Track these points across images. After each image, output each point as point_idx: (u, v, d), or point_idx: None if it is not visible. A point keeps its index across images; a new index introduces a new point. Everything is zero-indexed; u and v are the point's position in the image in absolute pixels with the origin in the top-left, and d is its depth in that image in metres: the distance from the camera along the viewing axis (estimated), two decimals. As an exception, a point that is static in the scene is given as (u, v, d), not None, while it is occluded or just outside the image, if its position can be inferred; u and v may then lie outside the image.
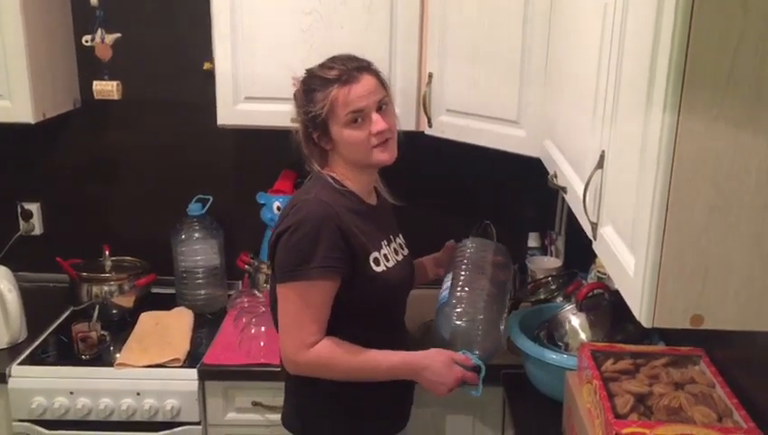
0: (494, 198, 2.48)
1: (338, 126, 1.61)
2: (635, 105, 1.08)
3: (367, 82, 1.62)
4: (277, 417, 1.88)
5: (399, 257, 1.76)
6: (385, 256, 1.69)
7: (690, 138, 0.94)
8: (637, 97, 1.07)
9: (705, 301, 1.00)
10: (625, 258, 1.11)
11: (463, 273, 1.83)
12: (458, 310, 1.75)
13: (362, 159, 1.65)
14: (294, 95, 1.69)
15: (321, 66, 1.65)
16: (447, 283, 1.83)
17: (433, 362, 1.66)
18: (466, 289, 1.79)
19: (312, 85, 1.63)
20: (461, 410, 2.07)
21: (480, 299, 1.77)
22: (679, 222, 0.97)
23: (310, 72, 1.66)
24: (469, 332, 1.73)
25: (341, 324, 1.62)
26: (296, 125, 1.69)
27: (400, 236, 1.83)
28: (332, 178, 1.67)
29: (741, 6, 0.90)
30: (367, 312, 1.67)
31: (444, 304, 1.79)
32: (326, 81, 1.61)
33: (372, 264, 1.64)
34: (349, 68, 1.62)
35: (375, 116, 1.62)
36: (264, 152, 2.44)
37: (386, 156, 1.65)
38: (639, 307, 1.03)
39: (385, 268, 1.67)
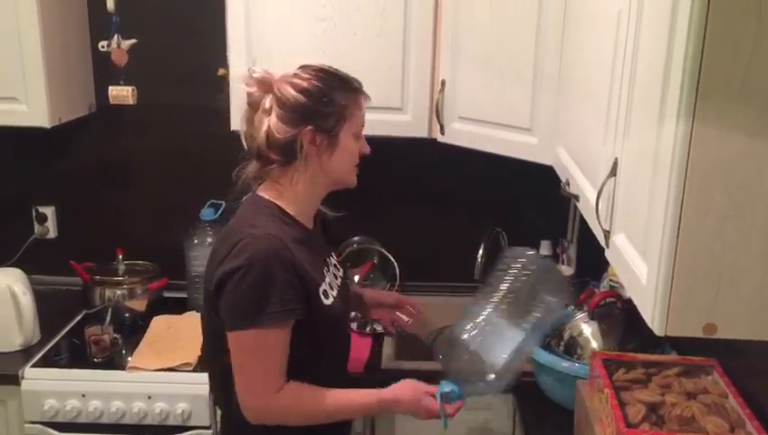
0: (507, 206, 2.48)
1: (348, 134, 1.54)
2: (648, 113, 1.08)
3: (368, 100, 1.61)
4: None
5: (339, 282, 1.65)
6: (329, 284, 1.59)
7: (703, 146, 0.94)
8: (650, 105, 1.07)
9: (718, 310, 1.00)
10: (638, 266, 1.11)
11: (502, 306, 1.68)
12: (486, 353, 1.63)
13: (342, 175, 1.58)
14: (288, 89, 1.49)
15: (330, 68, 1.57)
16: (484, 310, 1.68)
17: (403, 396, 1.59)
18: (497, 329, 1.66)
19: (333, 83, 1.53)
20: (471, 417, 2.06)
21: (509, 345, 1.63)
22: (692, 230, 0.97)
23: (321, 69, 1.55)
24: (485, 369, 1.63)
25: (296, 360, 1.51)
26: (265, 125, 1.49)
27: (333, 255, 1.72)
28: (274, 204, 1.54)
29: (755, 16, 0.90)
30: (322, 344, 1.57)
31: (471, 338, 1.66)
32: (349, 83, 1.56)
33: (322, 297, 1.53)
34: (359, 82, 1.60)
35: (363, 138, 1.60)
36: (277, 158, 2.45)
37: (356, 180, 1.61)
38: (652, 316, 1.02)
39: (333, 299, 1.57)
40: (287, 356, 1.49)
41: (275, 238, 1.45)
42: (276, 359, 1.48)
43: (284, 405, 1.50)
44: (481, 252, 2.14)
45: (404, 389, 1.61)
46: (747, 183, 0.95)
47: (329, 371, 1.60)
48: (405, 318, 1.91)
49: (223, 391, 1.58)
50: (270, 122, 1.49)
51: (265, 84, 1.51)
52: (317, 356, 1.57)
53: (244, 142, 1.57)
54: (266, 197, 1.56)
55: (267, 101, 1.50)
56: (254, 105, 1.52)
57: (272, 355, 1.47)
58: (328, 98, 1.51)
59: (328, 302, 1.55)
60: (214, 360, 1.61)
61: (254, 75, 1.51)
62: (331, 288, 1.59)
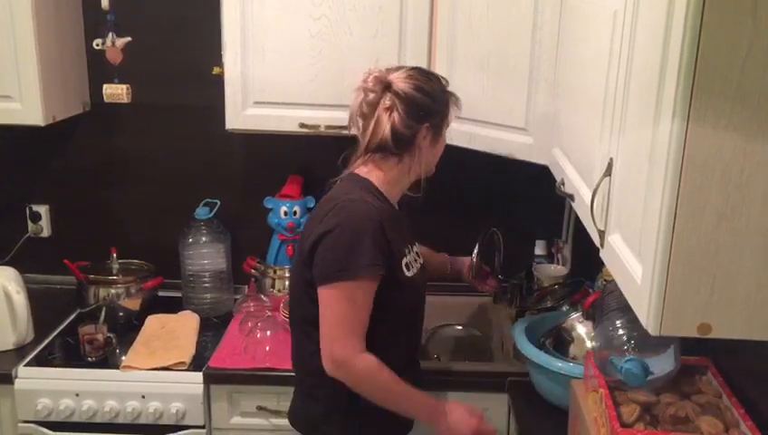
0: (502, 206, 2.48)
1: (446, 131, 1.73)
2: (644, 113, 1.08)
3: None
4: (282, 421, 1.88)
5: (418, 264, 1.77)
6: (411, 261, 1.71)
7: (699, 146, 0.94)
8: (646, 105, 1.07)
9: (712, 309, 1.00)
10: (632, 266, 1.11)
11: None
12: None
13: (429, 167, 1.74)
14: (412, 90, 1.62)
15: (424, 68, 1.76)
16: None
17: (455, 410, 1.67)
18: None
19: (440, 83, 1.70)
20: (466, 417, 2.06)
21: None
22: (687, 230, 0.97)
23: (429, 72, 1.74)
24: None
25: (371, 334, 1.60)
26: (389, 122, 1.62)
27: (415, 242, 1.84)
28: (370, 181, 1.67)
29: (751, 15, 0.90)
30: (397, 315, 1.68)
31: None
32: (444, 84, 1.72)
33: (404, 268, 1.66)
34: None
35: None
36: (272, 157, 2.45)
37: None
38: (647, 315, 1.03)
39: (413, 274, 1.70)
40: (369, 315, 1.58)
41: (369, 204, 1.60)
42: (363, 315, 1.57)
43: (365, 366, 1.58)
44: (476, 251, 2.14)
45: (455, 405, 1.70)
46: (743, 183, 0.95)
47: (400, 361, 1.66)
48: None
49: (304, 350, 1.68)
50: (394, 119, 1.62)
51: (384, 83, 1.63)
52: (393, 340, 1.66)
53: (359, 138, 1.68)
54: (363, 175, 1.68)
55: (387, 99, 1.62)
56: (373, 104, 1.64)
57: (359, 311, 1.57)
58: (439, 96, 1.67)
59: (410, 274, 1.67)
60: (301, 322, 1.70)
61: (375, 74, 1.64)
62: (414, 265, 1.72)
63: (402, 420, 1.75)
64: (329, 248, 1.56)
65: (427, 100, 1.64)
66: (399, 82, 1.63)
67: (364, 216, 1.57)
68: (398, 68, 1.69)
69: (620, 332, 1.47)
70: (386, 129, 1.62)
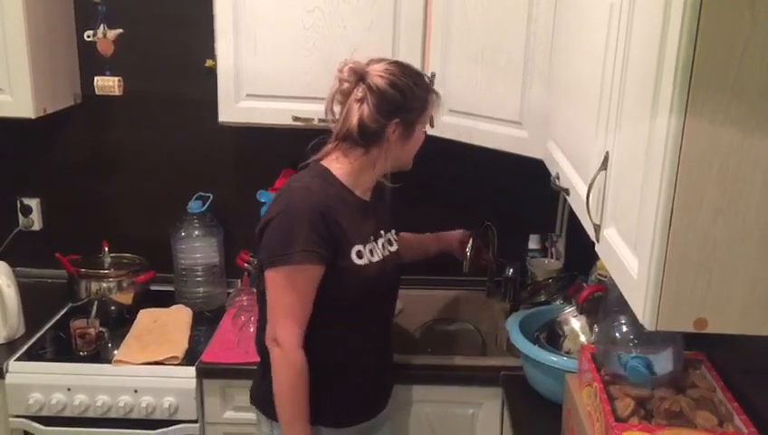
0: (496, 200, 2.48)
1: (421, 126, 1.73)
2: (640, 107, 1.08)
3: None
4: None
5: (387, 253, 1.78)
6: (371, 250, 1.72)
7: (696, 140, 0.94)
8: (642, 99, 1.07)
9: (709, 304, 0.99)
10: (628, 261, 1.11)
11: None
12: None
13: (404, 161, 1.75)
14: (385, 85, 1.63)
15: (404, 63, 1.72)
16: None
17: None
18: None
19: (417, 81, 1.70)
20: (459, 411, 2.06)
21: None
22: (684, 225, 0.97)
23: (407, 67, 1.70)
24: None
25: (322, 320, 1.65)
26: (358, 113, 1.64)
27: (393, 232, 1.86)
28: (328, 170, 1.70)
29: (749, 11, 0.90)
30: (348, 306, 1.69)
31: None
32: (424, 80, 1.74)
33: (354, 256, 1.67)
34: None
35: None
36: (265, 150, 2.44)
37: (411, 164, 1.79)
38: (643, 310, 1.02)
39: (368, 262, 1.70)
40: (312, 302, 1.63)
41: (311, 191, 1.63)
42: (303, 300, 1.62)
43: (291, 362, 1.62)
44: (470, 245, 2.14)
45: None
46: (740, 178, 0.94)
47: (357, 346, 1.73)
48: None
49: (261, 330, 1.73)
50: (363, 111, 1.64)
51: (358, 74, 1.64)
52: (346, 326, 1.70)
53: (331, 125, 1.71)
54: (324, 164, 1.71)
55: (360, 91, 1.64)
56: (346, 93, 1.66)
57: (299, 295, 1.62)
58: (413, 93, 1.66)
59: (360, 262, 1.68)
60: (261, 303, 1.74)
61: (350, 65, 1.65)
62: (372, 254, 1.72)
63: (357, 404, 1.77)
64: (270, 234, 1.63)
65: (397, 96, 1.64)
66: (374, 74, 1.64)
67: (304, 203, 1.61)
68: (380, 60, 1.69)
69: (624, 329, 1.48)
70: (353, 120, 1.64)
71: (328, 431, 1.73)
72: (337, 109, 1.69)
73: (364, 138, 1.66)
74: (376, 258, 1.73)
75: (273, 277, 1.62)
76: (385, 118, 1.64)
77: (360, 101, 1.64)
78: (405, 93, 1.65)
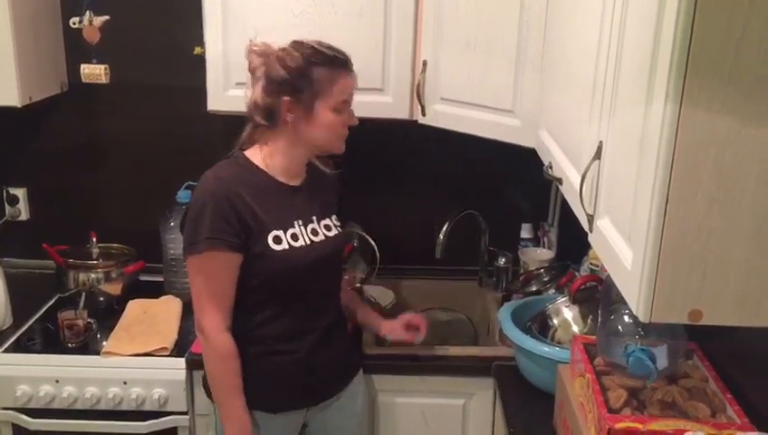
0: (488, 189, 2.47)
1: (325, 107, 1.66)
2: (635, 95, 1.06)
3: (355, 77, 1.71)
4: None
5: (317, 239, 1.74)
6: (293, 235, 1.70)
7: (691, 129, 0.92)
8: (637, 87, 1.05)
9: (704, 295, 0.98)
10: (622, 251, 1.09)
11: None
12: None
13: (326, 144, 1.72)
14: (274, 63, 1.64)
15: (320, 45, 1.68)
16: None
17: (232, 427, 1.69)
18: None
19: (314, 59, 1.65)
20: (451, 401, 2.05)
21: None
22: (679, 214, 0.95)
23: (308, 46, 1.67)
24: None
25: (248, 305, 1.68)
26: (253, 91, 1.69)
27: (331, 218, 1.82)
28: (245, 156, 1.71)
29: (746, -4, 0.88)
30: (269, 291, 1.69)
31: None
32: (332, 60, 1.66)
33: (271, 241, 1.66)
34: (348, 58, 1.69)
35: (352, 110, 1.72)
36: (255, 139, 2.41)
37: (343, 147, 1.74)
38: (637, 301, 1.01)
39: (287, 247, 1.68)
40: (233, 287, 1.66)
41: (218, 178, 1.65)
42: (221, 287, 1.65)
43: (217, 347, 1.66)
44: (444, 229, 2.13)
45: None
46: (735, 166, 0.93)
47: (284, 331, 1.72)
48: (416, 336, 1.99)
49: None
50: (256, 90, 1.68)
51: (262, 55, 1.67)
52: (269, 311, 1.70)
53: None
54: (243, 152, 1.73)
55: (258, 71, 1.67)
56: (253, 72, 1.69)
57: (216, 283, 1.65)
58: (304, 73, 1.63)
59: (278, 247, 1.66)
60: None
61: (254, 48, 1.69)
62: (295, 239, 1.70)
63: (285, 391, 1.76)
64: (183, 224, 1.67)
65: (283, 73, 1.63)
66: (272, 54, 1.66)
67: (208, 190, 1.63)
68: (295, 42, 1.69)
69: (626, 319, 1.47)
70: (250, 99, 1.69)
71: (260, 415, 1.73)
72: (249, 92, 1.73)
73: (265, 118, 1.67)
74: (300, 244, 1.70)
75: (189, 267, 1.66)
76: (272, 96, 1.65)
77: (258, 79, 1.67)
78: (292, 71, 1.63)
